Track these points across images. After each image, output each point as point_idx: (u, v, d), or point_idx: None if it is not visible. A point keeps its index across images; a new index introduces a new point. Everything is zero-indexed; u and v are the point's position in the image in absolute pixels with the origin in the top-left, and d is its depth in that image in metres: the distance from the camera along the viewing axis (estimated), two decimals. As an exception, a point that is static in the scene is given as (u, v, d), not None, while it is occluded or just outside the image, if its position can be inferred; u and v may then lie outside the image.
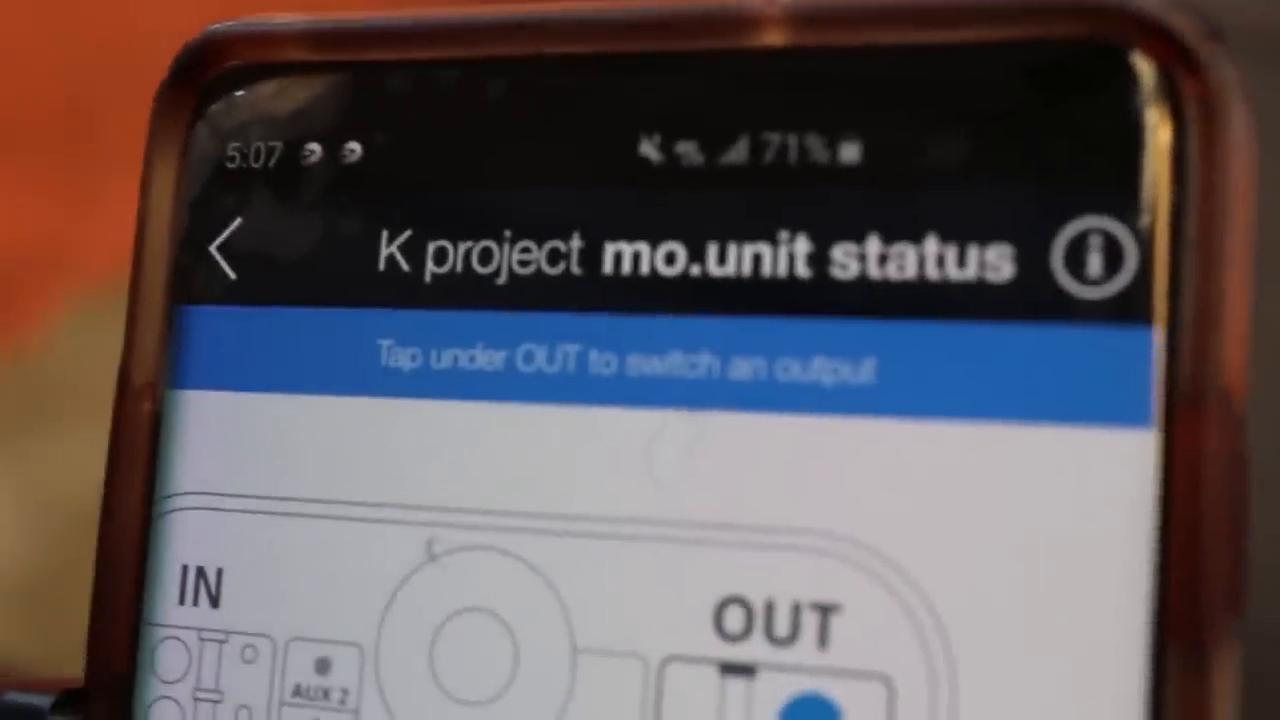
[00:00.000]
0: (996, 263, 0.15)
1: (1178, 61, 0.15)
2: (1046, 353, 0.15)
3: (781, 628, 0.16)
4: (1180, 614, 0.14)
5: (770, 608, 0.16)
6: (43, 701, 0.18)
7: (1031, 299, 0.15)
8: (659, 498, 0.16)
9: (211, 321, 0.18)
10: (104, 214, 0.64)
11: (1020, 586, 0.15)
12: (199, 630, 0.18)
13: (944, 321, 0.15)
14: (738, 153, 0.16)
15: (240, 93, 0.18)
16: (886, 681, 0.15)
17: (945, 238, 0.15)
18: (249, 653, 0.17)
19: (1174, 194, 0.15)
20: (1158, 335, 0.15)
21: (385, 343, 0.17)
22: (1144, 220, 0.15)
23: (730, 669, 0.16)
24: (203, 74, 0.18)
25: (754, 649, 0.16)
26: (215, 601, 0.18)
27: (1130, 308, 0.15)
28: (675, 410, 0.16)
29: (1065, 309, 0.15)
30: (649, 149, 0.17)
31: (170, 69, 0.18)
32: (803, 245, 0.16)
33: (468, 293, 0.17)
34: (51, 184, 0.65)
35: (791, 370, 0.16)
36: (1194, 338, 0.15)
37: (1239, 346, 0.15)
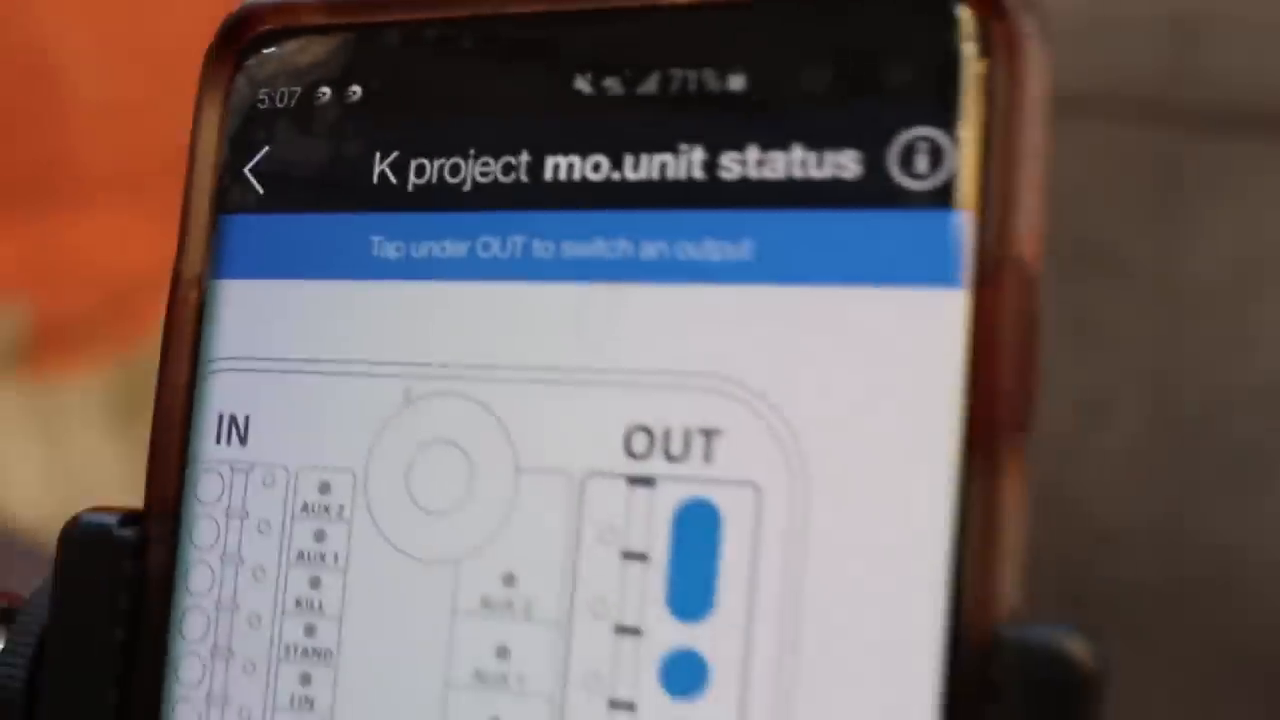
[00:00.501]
0: (847, 164, 0.16)
1: (990, 10, 0.16)
2: (884, 232, 0.16)
3: (676, 448, 0.16)
4: (981, 430, 0.15)
5: (667, 433, 0.16)
6: (112, 520, 0.19)
7: (873, 191, 0.16)
8: (584, 350, 0.17)
9: (244, 226, 0.19)
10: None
11: (860, 411, 0.16)
12: (231, 463, 0.18)
13: (806, 210, 0.16)
14: (650, 85, 0.17)
15: (269, 50, 0.19)
16: (755, 488, 0.16)
17: (808, 146, 0.16)
18: (268, 479, 0.18)
19: (984, 110, 0.16)
20: (968, 217, 0.16)
21: (376, 239, 0.18)
22: (960, 129, 0.16)
23: (635, 480, 0.17)
24: (241, 37, 0.19)
25: (654, 465, 0.16)
26: (244, 441, 0.18)
27: (948, 196, 0.16)
28: (598, 284, 0.17)
29: (899, 198, 0.16)
30: (582, 83, 0.17)
31: (216, 34, 0.19)
32: (698, 154, 0.17)
33: (440, 198, 0.18)
34: (165, 219, 0.66)
35: (688, 250, 0.17)
36: (997, 219, 0.16)
37: (1034, 227, 0.16)
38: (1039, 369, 0.16)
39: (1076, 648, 0.15)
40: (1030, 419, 0.16)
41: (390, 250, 0.18)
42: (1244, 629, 0.79)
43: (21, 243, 0.65)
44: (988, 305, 0.16)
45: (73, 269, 0.65)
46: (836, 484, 0.16)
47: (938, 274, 0.16)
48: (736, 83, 0.17)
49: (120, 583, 0.18)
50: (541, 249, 0.17)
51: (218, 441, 0.19)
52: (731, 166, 0.17)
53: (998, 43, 0.16)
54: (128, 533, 0.19)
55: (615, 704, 0.16)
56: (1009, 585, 0.15)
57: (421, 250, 0.18)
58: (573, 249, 0.17)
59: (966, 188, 0.16)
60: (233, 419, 0.19)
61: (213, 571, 0.18)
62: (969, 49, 0.16)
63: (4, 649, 0.19)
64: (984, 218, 0.16)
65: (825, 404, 0.16)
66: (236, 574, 0.18)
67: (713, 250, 0.17)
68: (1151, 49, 0.80)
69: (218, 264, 0.19)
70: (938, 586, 0.15)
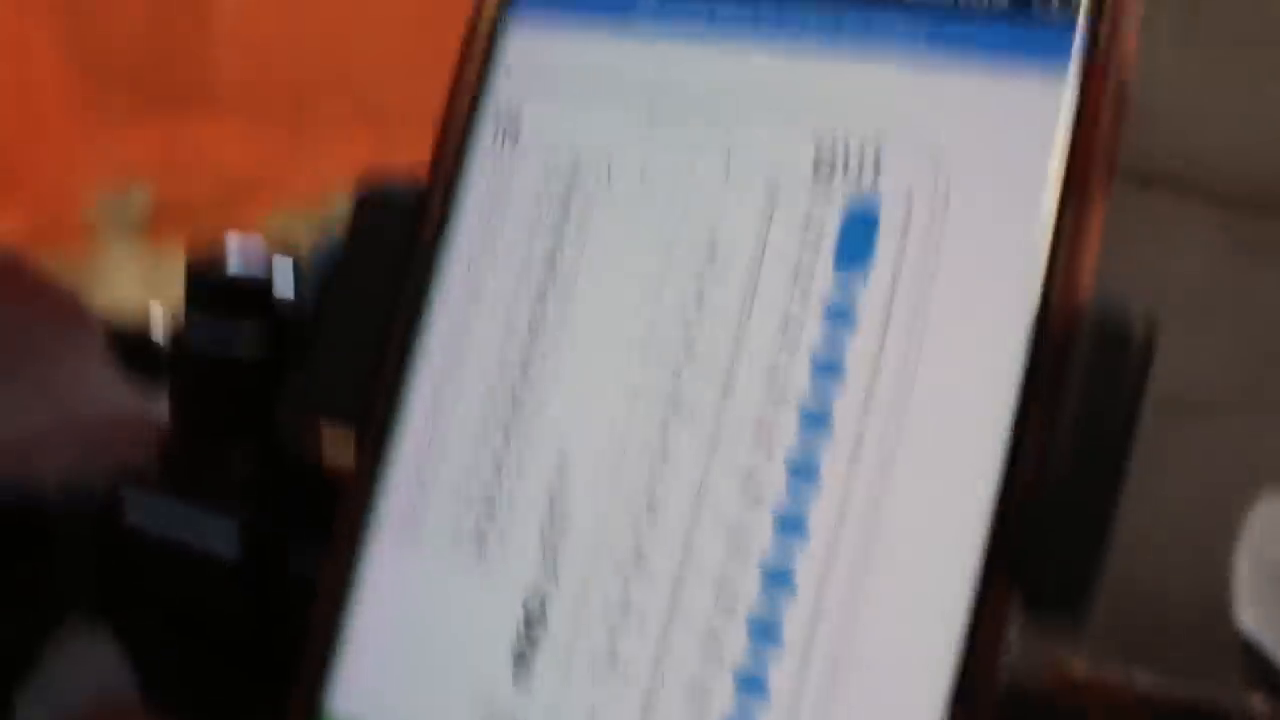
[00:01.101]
0: None
1: None
2: (1022, 35, 0.19)
3: (853, 162, 0.19)
4: (1079, 171, 0.18)
5: (848, 154, 0.19)
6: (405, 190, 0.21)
7: (1018, 5, 0.19)
8: (795, 87, 0.20)
9: None
10: (305, 156, 0.67)
11: (995, 152, 0.18)
12: (501, 149, 0.21)
13: (976, 15, 0.19)
14: None
15: None
16: (909, 194, 0.19)
17: None
18: (530, 163, 0.21)
19: None
20: (1084, 31, 0.18)
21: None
22: None
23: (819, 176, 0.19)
24: None
25: (835, 172, 0.19)
26: (515, 139, 0.21)
27: (1070, 13, 0.19)
28: (812, 45, 0.20)
29: (1041, 13, 0.19)
30: None
31: None
32: None
33: None
34: (276, 134, 0.68)
35: (881, 32, 0.19)
36: (1106, 35, 0.18)
37: (1130, 42, 0.19)
38: (1120, 137, 0.19)
39: (1139, 318, 0.18)
40: (1114, 168, 0.19)
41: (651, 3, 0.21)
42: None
43: (153, 138, 0.66)
44: (1096, 87, 0.18)
45: (191, 165, 0.66)
46: (970, 199, 0.18)
47: (1062, 65, 0.18)
48: None
49: (406, 227, 0.21)
50: (768, 16, 0.20)
51: (495, 135, 0.21)
52: None
53: None
54: (411, 194, 0.21)
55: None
56: (1089, 277, 0.18)
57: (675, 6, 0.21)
58: (792, 16, 0.20)
59: (1084, 8, 0.19)
60: (508, 112, 0.21)
61: (477, 224, 0.21)
62: None
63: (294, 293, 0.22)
64: (1096, 31, 0.18)
65: (970, 144, 0.19)
66: (497, 235, 0.21)
67: (903, 36, 0.19)
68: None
69: (508, 5, 0.21)
70: (1039, 268, 0.18)
